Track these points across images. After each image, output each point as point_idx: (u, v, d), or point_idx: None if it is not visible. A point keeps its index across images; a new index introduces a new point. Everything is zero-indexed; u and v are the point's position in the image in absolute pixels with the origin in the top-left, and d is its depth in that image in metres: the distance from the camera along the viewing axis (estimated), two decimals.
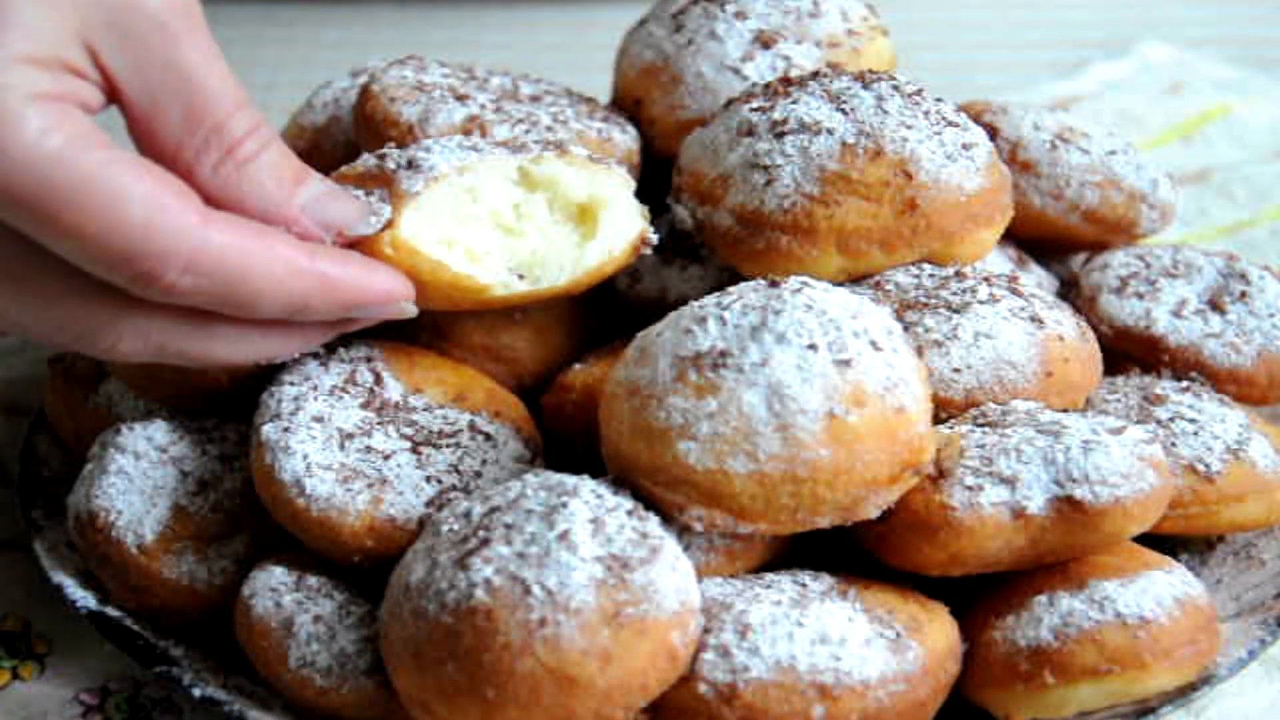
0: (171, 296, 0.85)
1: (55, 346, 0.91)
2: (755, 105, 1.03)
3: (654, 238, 1.02)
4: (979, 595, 0.93)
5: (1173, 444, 0.98)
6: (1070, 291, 1.14)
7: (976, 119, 1.09)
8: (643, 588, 0.83)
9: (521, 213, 0.98)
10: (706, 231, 1.04)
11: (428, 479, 0.95)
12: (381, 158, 0.96)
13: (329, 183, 0.93)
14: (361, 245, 0.92)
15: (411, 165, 0.95)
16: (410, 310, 0.94)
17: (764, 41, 1.11)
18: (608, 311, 1.11)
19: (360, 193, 0.94)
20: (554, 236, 0.99)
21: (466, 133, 1.05)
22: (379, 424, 0.97)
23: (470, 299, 0.97)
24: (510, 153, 0.98)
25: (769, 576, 0.91)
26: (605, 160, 1.01)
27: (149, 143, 0.87)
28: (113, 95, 0.86)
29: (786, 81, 1.04)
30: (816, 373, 0.85)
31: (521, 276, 0.98)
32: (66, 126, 0.82)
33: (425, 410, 0.99)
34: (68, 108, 0.83)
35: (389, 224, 0.92)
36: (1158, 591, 0.90)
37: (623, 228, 1.01)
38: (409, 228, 0.93)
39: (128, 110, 0.87)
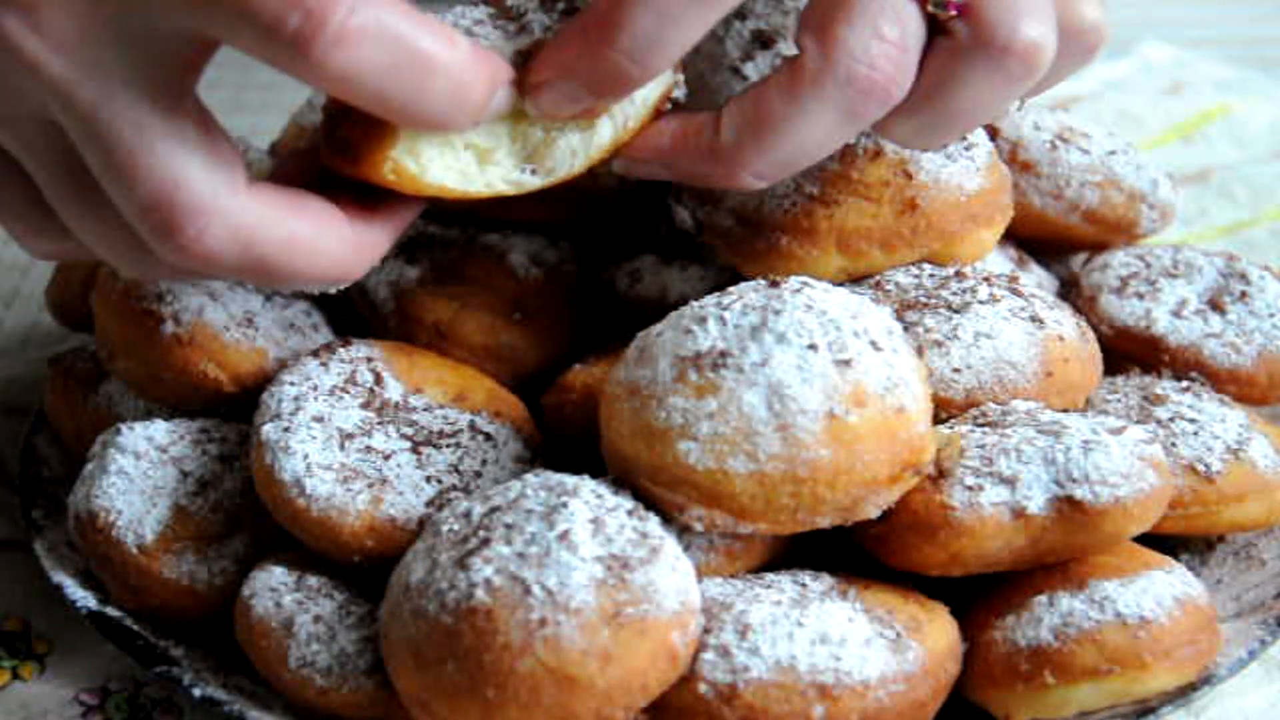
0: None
1: (132, 248, 0.86)
2: None
3: (680, 93, 0.95)
4: (979, 595, 0.93)
5: (1173, 444, 0.98)
6: (1070, 291, 1.14)
7: None
8: (643, 588, 0.83)
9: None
10: (706, 231, 1.04)
11: (428, 479, 0.95)
12: None
13: None
14: (361, 168, 0.87)
15: None
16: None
17: (764, 41, 1.11)
18: (608, 311, 1.11)
19: None
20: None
21: None
22: (379, 424, 0.97)
23: (482, 199, 0.92)
24: (506, 39, 0.90)
25: (769, 576, 0.91)
26: None
27: None
28: None
29: None
30: (816, 373, 0.85)
31: (534, 171, 0.92)
32: None
33: (425, 410, 0.99)
34: None
35: (383, 143, 0.86)
36: (1158, 591, 0.90)
37: (638, 94, 0.92)
38: (405, 147, 0.87)
39: None
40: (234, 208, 0.83)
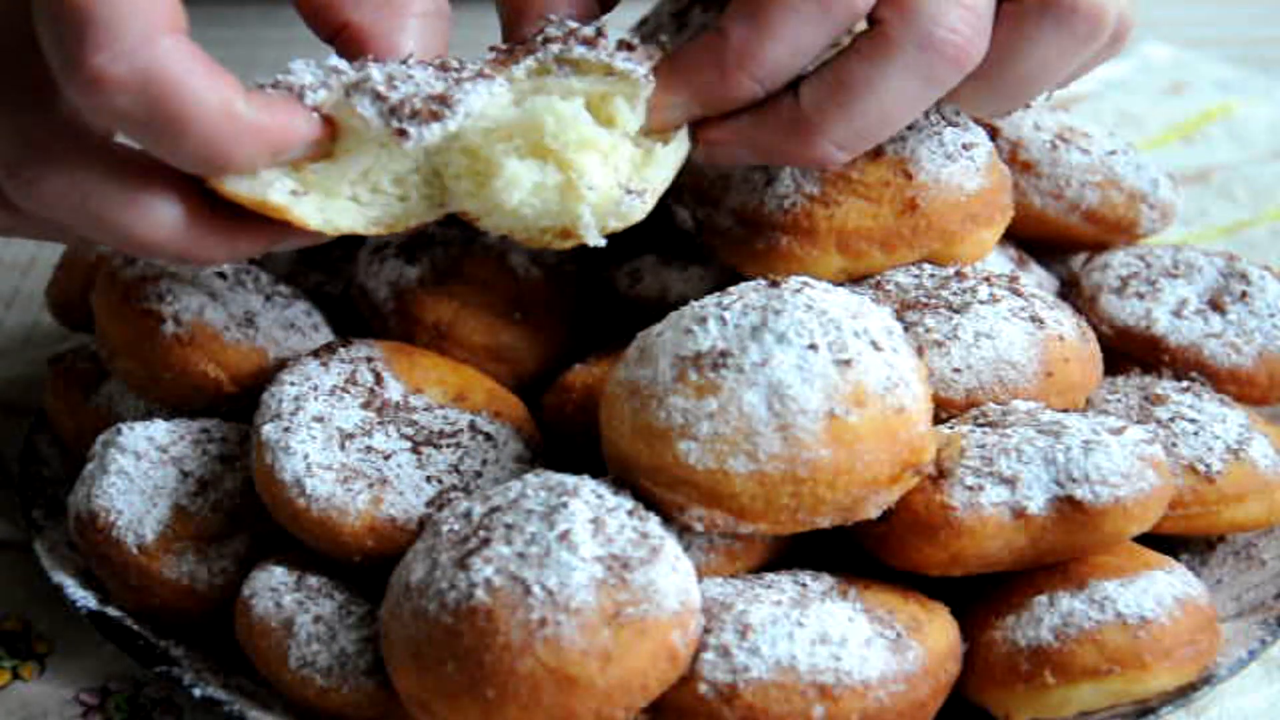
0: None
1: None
2: None
3: None
4: (979, 595, 0.93)
5: (1173, 444, 0.98)
6: (1070, 291, 1.14)
7: (976, 119, 1.09)
8: (643, 588, 0.83)
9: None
10: (706, 231, 1.04)
11: (428, 479, 0.95)
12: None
13: None
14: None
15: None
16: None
17: None
18: (608, 311, 1.11)
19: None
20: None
21: None
22: (379, 424, 0.97)
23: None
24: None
25: (769, 576, 0.91)
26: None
27: None
28: None
29: None
30: (817, 373, 0.85)
31: (629, 191, 0.92)
32: None
33: (426, 410, 0.99)
34: None
35: None
36: (1158, 591, 0.90)
37: None
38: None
39: None
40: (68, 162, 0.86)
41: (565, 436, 1.01)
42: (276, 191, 0.88)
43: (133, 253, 0.94)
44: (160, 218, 0.87)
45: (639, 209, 0.92)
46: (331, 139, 0.89)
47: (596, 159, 0.91)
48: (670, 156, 0.94)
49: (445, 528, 0.87)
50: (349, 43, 0.91)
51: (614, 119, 0.92)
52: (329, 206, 0.90)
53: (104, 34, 0.80)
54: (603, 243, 0.93)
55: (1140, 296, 1.10)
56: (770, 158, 0.96)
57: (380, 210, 0.92)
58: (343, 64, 0.89)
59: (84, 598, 0.99)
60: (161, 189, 0.87)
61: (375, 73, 0.88)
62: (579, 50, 0.91)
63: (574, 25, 0.93)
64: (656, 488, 0.87)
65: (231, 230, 0.90)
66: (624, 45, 0.92)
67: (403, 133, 0.88)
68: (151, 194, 0.87)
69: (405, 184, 0.92)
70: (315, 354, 1.01)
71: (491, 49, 0.94)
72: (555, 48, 0.91)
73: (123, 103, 0.81)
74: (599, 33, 0.92)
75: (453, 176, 0.92)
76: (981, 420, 0.94)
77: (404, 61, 0.90)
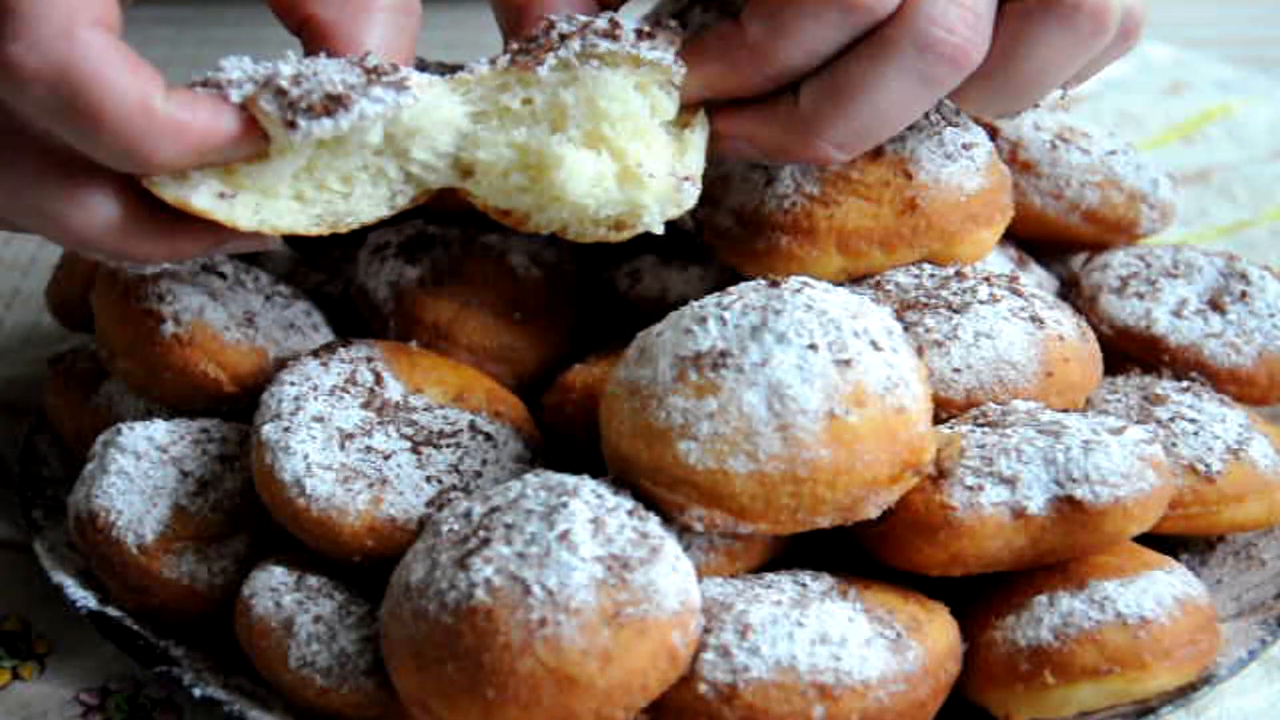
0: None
1: None
2: None
3: None
4: (979, 595, 0.93)
5: (1173, 444, 0.98)
6: (1070, 291, 1.14)
7: (977, 119, 1.09)
8: (643, 588, 0.83)
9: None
10: (706, 231, 1.04)
11: (428, 479, 0.95)
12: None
13: None
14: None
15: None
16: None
17: None
18: (608, 311, 1.11)
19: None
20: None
21: None
22: (379, 424, 0.97)
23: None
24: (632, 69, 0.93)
25: (769, 576, 0.91)
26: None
27: None
28: None
29: None
30: (817, 373, 0.85)
31: (683, 178, 0.93)
32: None
33: (425, 410, 0.99)
34: None
35: None
36: (1158, 591, 0.90)
37: None
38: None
39: None
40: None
41: (565, 436, 1.01)
42: (200, 196, 0.87)
43: (70, 247, 0.94)
44: (96, 212, 0.87)
45: (693, 194, 0.93)
46: (265, 139, 0.88)
47: (642, 146, 0.92)
48: (700, 141, 0.94)
49: (445, 528, 0.87)
50: (313, 36, 0.90)
51: (655, 107, 0.93)
52: (266, 207, 0.90)
53: (21, 23, 0.79)
54: (662, 230, 0.93)
55: (1140, 296, 1.10)
56: (771, 155, 0.96)
57: (322, 208, 0.92)
58: (267, 63, 0.88)
59: (84, 598, 0.99)
60: (99, 184, 0.86)
61: (285, 69, 0.87)
62: (605, 45, 0.91)
63: (584, 19, 0.92)
64: (656, 488, 0.87)
65: (172, 230, 0.89)
66: (643, 35, 0.92)
67: (292, 124, 0.87)
68: (89, 188, 0.86)
69: (350, 182, 0.92)
70: (315, 354, 1.01)
71: (506, 52, 0.93)
72: (575, 44, 0.91)
73: (38, 93, 0.80)
74: (614, 24, 0.92)
75: (500, 174, 0.92)
76: (981, 420, 0.94)
77: (359, 59, 0.89)
